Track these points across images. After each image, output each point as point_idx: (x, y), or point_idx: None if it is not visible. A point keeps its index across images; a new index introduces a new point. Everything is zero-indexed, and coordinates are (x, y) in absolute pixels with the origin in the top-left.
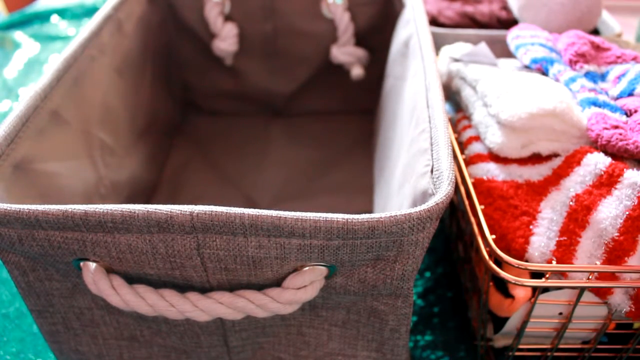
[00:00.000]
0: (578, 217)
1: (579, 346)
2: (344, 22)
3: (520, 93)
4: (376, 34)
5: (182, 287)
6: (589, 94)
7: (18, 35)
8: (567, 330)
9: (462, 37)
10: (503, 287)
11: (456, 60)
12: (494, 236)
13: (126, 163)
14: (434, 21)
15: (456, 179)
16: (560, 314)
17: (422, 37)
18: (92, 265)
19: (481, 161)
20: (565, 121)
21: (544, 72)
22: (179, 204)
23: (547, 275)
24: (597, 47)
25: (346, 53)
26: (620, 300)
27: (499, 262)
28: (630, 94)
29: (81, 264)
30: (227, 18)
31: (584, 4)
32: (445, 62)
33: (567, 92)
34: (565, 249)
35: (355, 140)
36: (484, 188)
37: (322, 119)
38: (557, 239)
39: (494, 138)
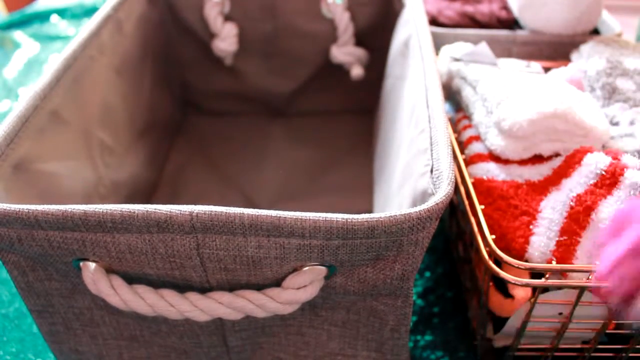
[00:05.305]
0: (579, 217)
1: (579, 346)
2: (343, 22)
3: (520, 98)
4: (376, 34)
5: (182, 287)
6: None
7: (18, 35)
8: (567, 330)
9: (462, 37)
10: (503, 287)
11: (456, 59)
12: (493, 236)
13: (126, 163)
14: (433, 21)
15: (456, 179)
16: (560, 314)
17: (422, 37)
18: (92, 265)
19: (481, 161)
20: (568, 121)
21: None
22: (179, 204)
23: (547, 275)
24: None
25: (346, 53)
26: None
27: (498, 262)
28: None
29: (81, 264)
30: (227, 18)
31: (584, 3)
32: (445, 62)
33: (569, 92)
34: (565, 249)
35: (355, 140)
36: (484, 188)
37: (322, 119)
38: (557, 238)
39: (495, 141)
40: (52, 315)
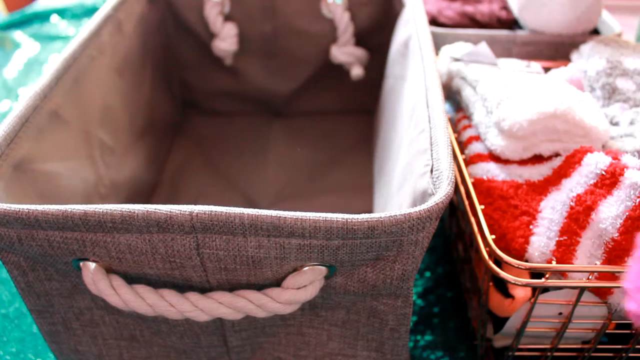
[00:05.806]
0: (579, 217)
1: (579, 346)
2: (343, 22)
3: (520, 98)
4: (376, 34)
5: (182, 287)
6: None
7: (18, 35)
8: (567, 330)
9: (462, 37)
10: (503, 287)
11: (456, 59)
12: (493, 236)
13: (126, 163)
14: (433, 21)
15: (456, 179)
16: (560, 314)
17: (422, 37)
18: (92, 265)
19: (481, 161)
20: (568, 121)
21: None
22: (179, 204)
23: (547, 275)
24: None
25: (346, 53)
26: (620, 300)
27: (498, 262)
28: None
29: (81, 264)
30: (227, 18)
31: (584, 3)
32: (445, 62)
33: (569, 92)
34: (565, 249)
35: (355, 140)
36: (484, 188)
37: (322, 119)
38: (557, 238)
39: (495, 141)
40: (52, 315)
